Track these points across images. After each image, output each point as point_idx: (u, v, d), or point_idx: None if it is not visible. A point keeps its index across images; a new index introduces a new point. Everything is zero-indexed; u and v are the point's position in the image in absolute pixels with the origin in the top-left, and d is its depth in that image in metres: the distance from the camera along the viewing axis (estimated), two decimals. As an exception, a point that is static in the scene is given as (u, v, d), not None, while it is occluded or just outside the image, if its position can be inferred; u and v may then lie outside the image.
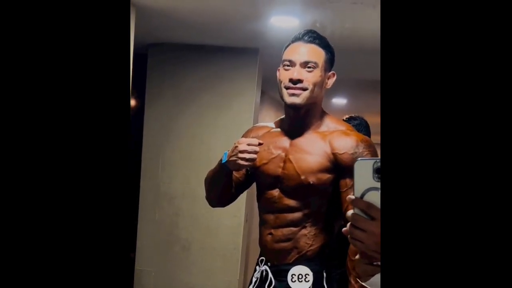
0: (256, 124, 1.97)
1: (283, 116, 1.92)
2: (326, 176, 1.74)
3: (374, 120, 3.71)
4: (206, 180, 1.94)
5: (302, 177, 1.74)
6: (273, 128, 1.92)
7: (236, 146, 1.73)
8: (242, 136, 1.95)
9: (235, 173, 1.90)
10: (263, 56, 3.99)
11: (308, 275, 1.76)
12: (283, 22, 3.23)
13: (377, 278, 0.82)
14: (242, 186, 1.97)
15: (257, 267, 1.88)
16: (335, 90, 5.64)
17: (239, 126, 3.67)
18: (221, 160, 1.81)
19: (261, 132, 1.91)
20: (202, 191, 2.01)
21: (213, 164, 1.94)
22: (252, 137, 1.88)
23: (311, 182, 1.73)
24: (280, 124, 1.91)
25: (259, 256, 1.90)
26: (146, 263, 4.04)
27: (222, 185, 1.88)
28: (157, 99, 4.08)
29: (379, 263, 0.81)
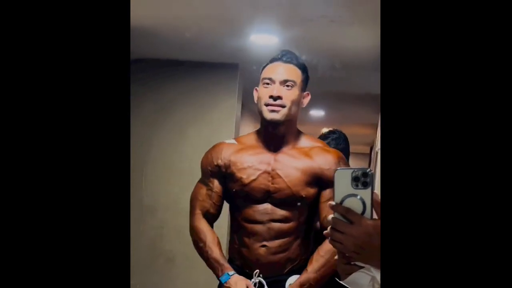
0: (223, 141, 1.97)
1: (250, 133, 1.98)
2: (313, 189, 1.84)
3: (351, 132, 3.83)
4: (195, 243, 1.91)
5: (294, 191, 1.81)
6: (237, 144, 1.93)
7: None
8: (210, 151, 1.94)
9: (212, 201, 1.91)
10: (243, 71, 4.09)
11: None
12: (262, 40, 3.35)
13: (354, 276, 0.90)
14: (223, 202, 1.97)
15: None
16: (313, 102, 5.75)
17: (221, 139, 3.69)
18: (220, 274, 1.82)
19: (232, 149, 1.90)
20: (185, 204, 2.01)
21: (195, 177, 1.98)
22: (223, 154, 1.88)
23: (304, 195, 1.82)
24: (252, 140, 1.93)
25: (241, 268, 1.89)
26: (130, 276, 4.07)
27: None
28: (139, 114, 4.14)
29: (357, 262, 0.90)
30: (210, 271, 1.94)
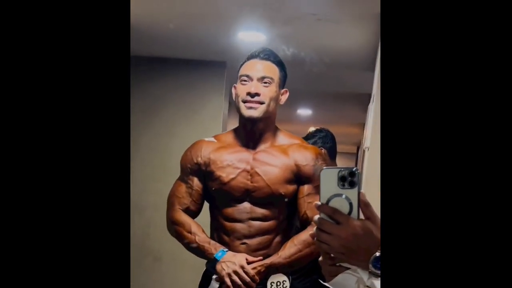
0: (202, 139, 1.95)
1: (229, 131, 1.98)
2: (293, 186, 1.85)
3: (338, 131, 3.84)
4: (178, 234, 1.89)
5: (273, 189, 1.81)
6: (216, 142, 1.92)
7: (235, 271, 1.74)
8: (190, 149, 1.93)
9: (192, 199, 1.89)
10: (230, 69, 4.08)
11: (286, 281, 1.83)
12: (250, 37, 3.34)
13: (339, 278, 0.89)
14: (203, 200, 1.95)
15: (214, 277, 1.83)
16: (300, 101, 5.77)
17: (208, 137, 3.74)
18: (213, 252, 1.80)
19: (211, 147, 1.90)
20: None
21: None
22: (203, 152, 1.87)
23: (282, 193, 1.82)
24: (231, 138, 1.92)
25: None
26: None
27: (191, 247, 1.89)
28: (126, 112, 4.12)
29: (342, 264, 0.89)
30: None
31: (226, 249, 1.81)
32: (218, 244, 1.83)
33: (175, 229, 1.90)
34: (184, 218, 1.89)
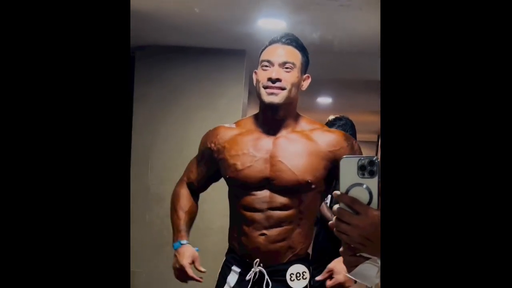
0: (222, 125, 1.95)
1: (249, 116, 1.95)
2: (322, 173, 1.80)
3: (358, 119, 3.78)
4: (172, 201, 2.02)
5: (299, 176, 1.76)
6: (236, 128, 1.91)
7: (180, 267, 1.87)
8: (208, 133, 1.95)
9: (198, 177, 2.00)
10: (250, 57, 4.03)
11: (305, 272, 1.80)
12: (270, 24, 3.28)
13: (361, 268, 0.89)
14: (209, 181, 2.02)
15: (234, 267, 1.85)
16: (320, 89, 5.71)
17: (228, 127, 3.71)
18: (174, 240, 1.92)
19: (229, 134, 1.88)
20: (191, 192, 2.04)
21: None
22: (219, 140, 1.89)
23: (309, 181, 1.77)
24: (251, 124, 1.90)
25: (241, 257, 1.85)
26: (137, 265, 4.06)
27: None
28: (144, 101, 4.10)
29: (362, 254, 0.88)
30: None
31: (185, 242, 1.88)
32: (182, 234, 1.90)
33: (172, 198, 2.01)
34: (183, 191, 2.00)
